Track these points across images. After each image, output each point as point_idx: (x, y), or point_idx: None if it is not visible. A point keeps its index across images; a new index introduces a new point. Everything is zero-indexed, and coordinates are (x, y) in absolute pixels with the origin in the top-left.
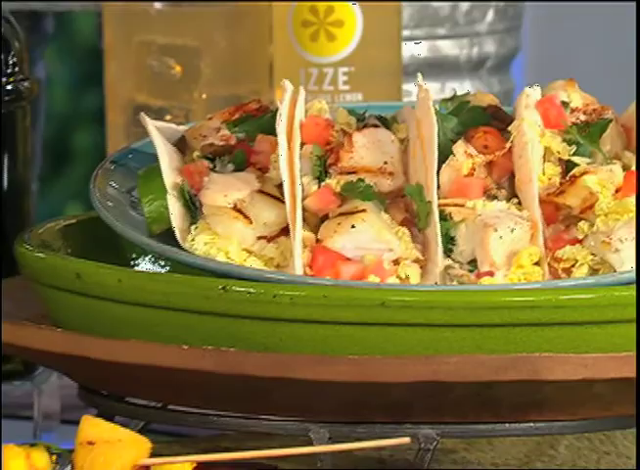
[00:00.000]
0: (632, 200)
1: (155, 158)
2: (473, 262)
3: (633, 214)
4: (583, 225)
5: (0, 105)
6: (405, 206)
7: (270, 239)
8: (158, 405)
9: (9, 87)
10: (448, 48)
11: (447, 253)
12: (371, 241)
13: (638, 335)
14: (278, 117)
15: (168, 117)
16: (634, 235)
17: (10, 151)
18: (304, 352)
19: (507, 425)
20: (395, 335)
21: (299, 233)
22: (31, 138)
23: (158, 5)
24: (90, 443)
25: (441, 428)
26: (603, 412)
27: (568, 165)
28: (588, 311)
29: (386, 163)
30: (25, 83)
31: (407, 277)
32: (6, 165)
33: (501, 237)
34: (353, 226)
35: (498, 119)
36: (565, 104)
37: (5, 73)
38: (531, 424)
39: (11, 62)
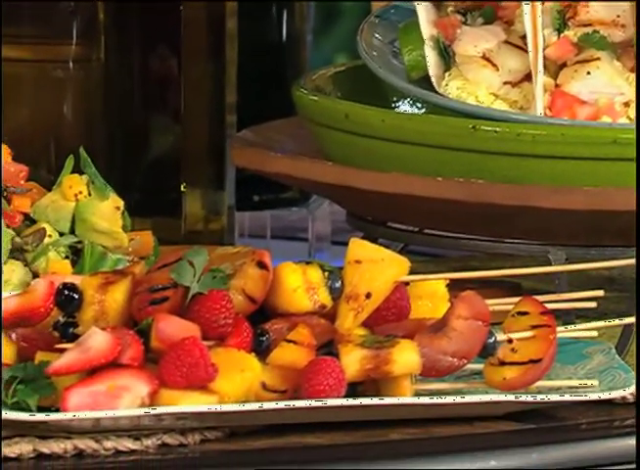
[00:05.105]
0: None
1: (414, 12)
2: None
3: None
4: None
5: None
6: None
7: (514, 84)
8: (415, 230)
9: None
10: None
11: None
12: (604, 85)
13: None
14: None
15: None
16: None
17: (288, 8)
18: (544, 184)
19: None
20: (625, 169)
21: (541, 78)
22: None
23: None
24: (357, 261)
25: None
26: None
27: None
28: None
29: (618, 16)
30: None
31: None
32: (285, 21)
33: None
34: (589, 73)
35: None
36: None
37: None
38: None
39: None
